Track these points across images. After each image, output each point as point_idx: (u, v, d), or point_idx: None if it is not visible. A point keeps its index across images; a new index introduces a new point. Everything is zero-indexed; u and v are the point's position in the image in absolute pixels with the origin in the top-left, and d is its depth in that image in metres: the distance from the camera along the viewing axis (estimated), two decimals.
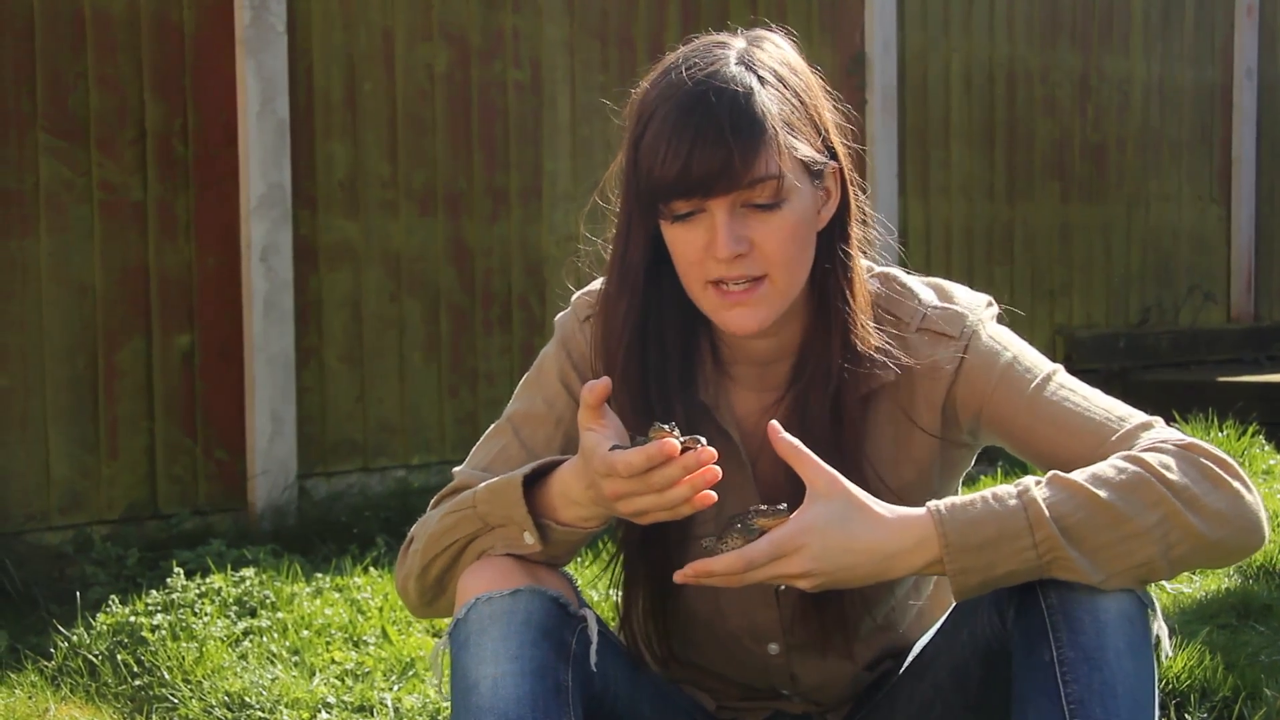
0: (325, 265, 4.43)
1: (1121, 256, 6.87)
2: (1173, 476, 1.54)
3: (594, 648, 1.60)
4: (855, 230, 1.70)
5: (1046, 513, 1.50)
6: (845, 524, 1.50)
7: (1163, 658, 1.60)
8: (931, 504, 1.53)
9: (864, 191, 1.72)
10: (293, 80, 4.33)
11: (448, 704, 2.70)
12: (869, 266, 1.74)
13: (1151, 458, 1.56)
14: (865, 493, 1.53)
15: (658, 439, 1.45)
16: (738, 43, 1.64)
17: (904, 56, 5.93)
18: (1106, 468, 1.55)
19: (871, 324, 1.68)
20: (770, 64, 1.62)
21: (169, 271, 4.14)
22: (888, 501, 1.56)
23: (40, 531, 3.93)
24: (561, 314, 1.82)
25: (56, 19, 3.96)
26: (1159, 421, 1.65)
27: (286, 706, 2.76)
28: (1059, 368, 1.72)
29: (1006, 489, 1.55)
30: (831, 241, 1.67)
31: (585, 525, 1.60)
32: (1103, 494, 1.52)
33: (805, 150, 1.61)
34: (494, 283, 4.77)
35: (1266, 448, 4.72)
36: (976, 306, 1.73)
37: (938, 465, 1.73)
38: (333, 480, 4.45)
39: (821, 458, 1.55)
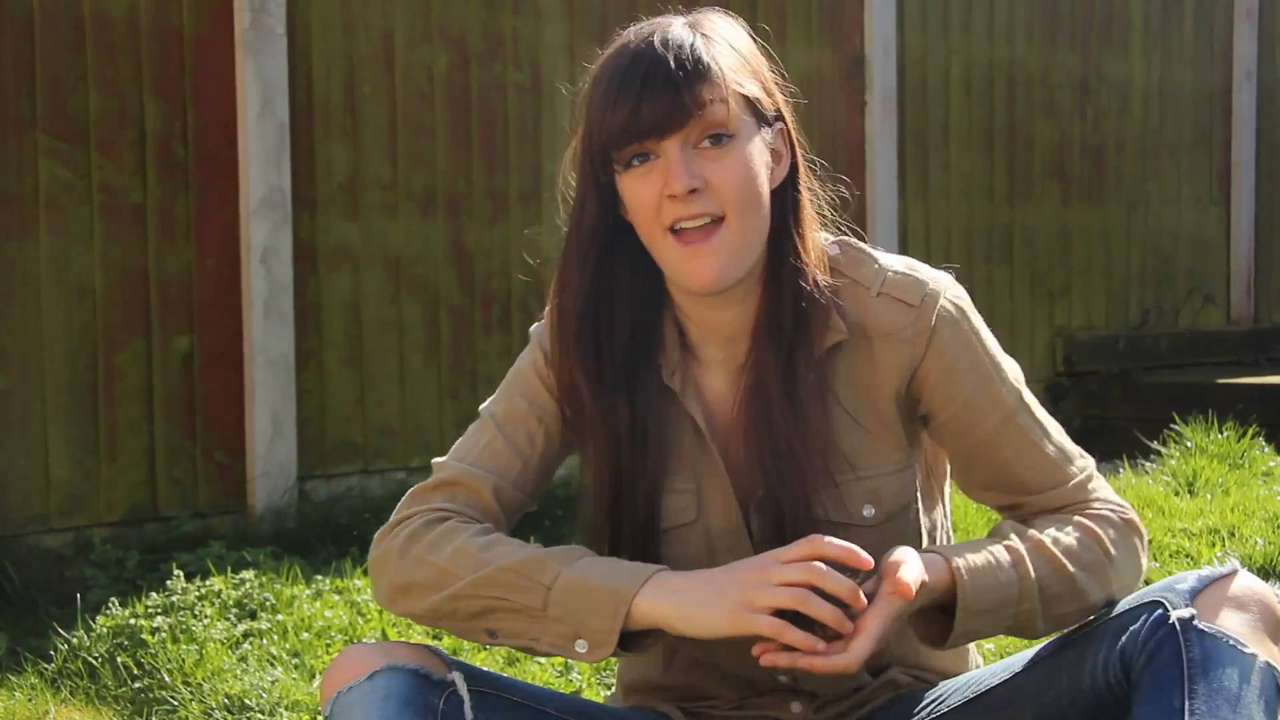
0: (325, 267, 4.43)
1: (1121, 258, 6.87)
2: (1117, 556, 1.66)
3: (467, 705, 1.60)
4: (805, 193, 1.71)
5: (1036, 589, 1.60)
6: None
7: None
8: (956, 561, 1.58)
9: (809, 161, 1.74)
10: (292, 82, 4.33)
11: None
12: (827, 237, 1.75)
13: (1103, 532, 1.66)
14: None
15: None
16: (683, 18, 1.68)
17: (904, 59, 5.94)
18: (1073, 540, 1.64)
19: (824, 279, 1.69)
20: (715, 29, 1.66)
21: (169, 274, 4.14)
22: (857, 460, 1.68)
23: (40, 534, 3.93)
24: (536, 323, 1.83)
25: (56, 21, 3.96)
26: (1092, 464, 1.74)
27: (286, 709, 2.76)
28: (1022, 381, 1.75)
29: (1001, 552, 1.61)
30: (784, 203, 1.69)
31: (654, 639, 1.61)
32: (1075, 572, 1.62)
33: (752, 89, 1.65)
34: (494, 285, 4.77)
35: (1266, 449, 4.72)
36: (939, 279, 1.74)
37: (900, 429, 1.74)
38: (333, 482, 4.45)
39: (783, 419, 1.62)
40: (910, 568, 1.52)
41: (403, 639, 3.14)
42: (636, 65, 1.61)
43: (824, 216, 1.75)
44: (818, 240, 1.72)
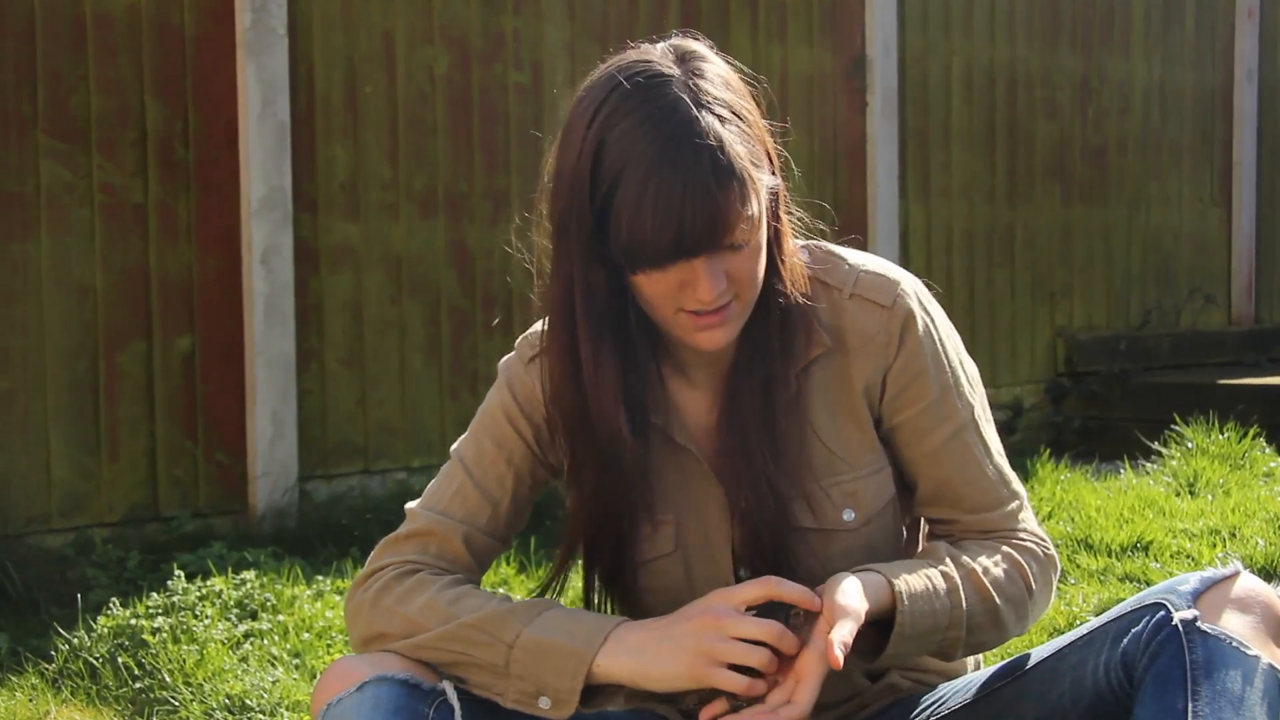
0: (326, 268, 4.43)
1: (1122, 259, 6.87)
2: (1036, 590, 1.70)
3: (458, 713, 1.61)
4: (785, 218, 1.70)
5: (965, 617, 1.63)
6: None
7: None
8: (898, 586, 1.59)
9: (790, 171, 1.71)
10: (294, 83, 4.33)
11: None
12: (795, 241, 1.74)
13: (1027, 565, 1.70)
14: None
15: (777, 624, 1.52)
16: (674, 70, 1.59)
17: (904, 59, 5.94)
18: (1002, 571, 1.68)
19: (802, 290, 1.69)
20: (717, 95, 1.58)
21: (170, 274, 4.14)
22: (835, 465, 1.69)
23: (41, 534, 3.93)
24: (505, 357, 1.81)
25: (57, 21, 3.96)
26: (1024, 494, 1.76)
27: (287, 709, 2.76)
28: (980, 387, 1.77)
29: (938, 579, 1.63)
30: (767, 234, 1.67)
31: (615, 691, 1.63)
32: (1000, 604, 1.66)
33: (768, 180, 1.61)
34: (495, 285, 4.77)
35: (1267, 450, 4.72)
36: (909, 279, 1.75)
37: (873, 430, 1.75)
38: (333, 483, 4.45)
39: (758, 440, 1.64)
40: (849, 601, 1.54)
41: None
42: (672, 181, 1.52)
43: (802, 225, 1.74)
44: (796, 259, 1.71)
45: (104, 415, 4.03)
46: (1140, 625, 1.60)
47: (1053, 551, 1.74)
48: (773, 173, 1.64)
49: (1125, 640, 1.60)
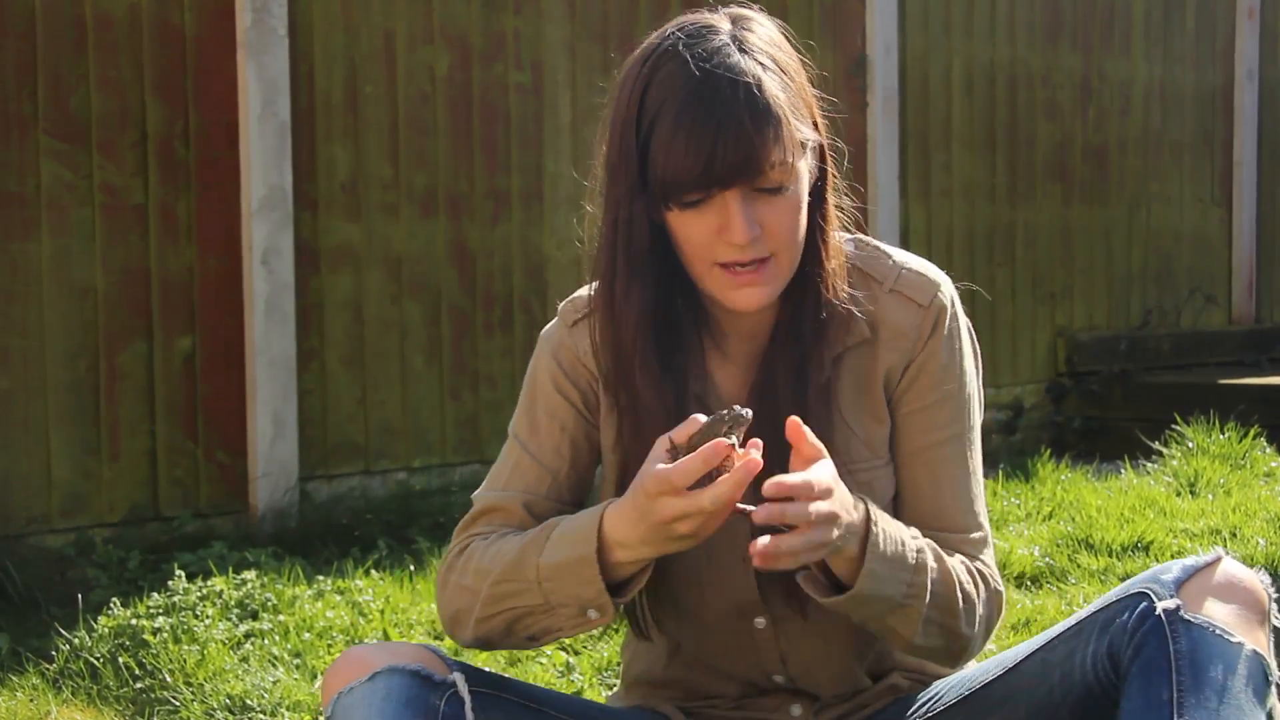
0: (326, 268, 4.43)
1: (1123, 259, 6.87)
2: (981, 615, 1.69)
3: (468, 706, 1.62)
4: (831, 199, 1.73)
5: (928, 583, 1.62)
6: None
7: None
8: (874, 511, 1.59)
9: (841, 160, 1.76)
10: (294, 83, 4.33)
11: None
12: (843, 234, 1.77)
13: (981, 585, 1.70)
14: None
15: (711, 443, 1.48)
16: (724, 24, 1.65)
17: (905, 59, 5.93)
18: (964, 569, 1.68)
19: (844, 286, 1.72)
20: (763, 47, 1.64)
21: (170, 274, 4.14)
22: (857, 452, 1.70)
23: (42, 534, 3.93)
24: (546, 327, 1.83)
25: (58, 21, 3.96)
26: (990, 533, 1.77)
27: (288, 709, 2.76)
28: (979, 418, 1.78)
29: (910, 538, 1.63)
30: (812, 213, 1.70)
31: (640, 575, 1.62)
32: (960, 596, 1.65)
33: (806, 133, 1.65)
34: (495, 285, 4.77)
35: (1268, 450, 4.72)
36: (948, 284, 1.77)
37: (889, 421, 1.76)
38: (334, 483, 4.45)
39: (791, 412, 1.62)
40: (819, 475, 1.51)
41: (404, 639, 3.14)
42: (707, 113, 1.57)
43: (841, 211, 1.77)
44: (839, 247, 1.74)
45: (104, 415, 4.03)
46: (1125, 616, 1.61)
47: (1003, 596, 1.74)
48: (815, 130, 1.68)
49: (1111, 631, 1.62)
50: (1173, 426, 4.86)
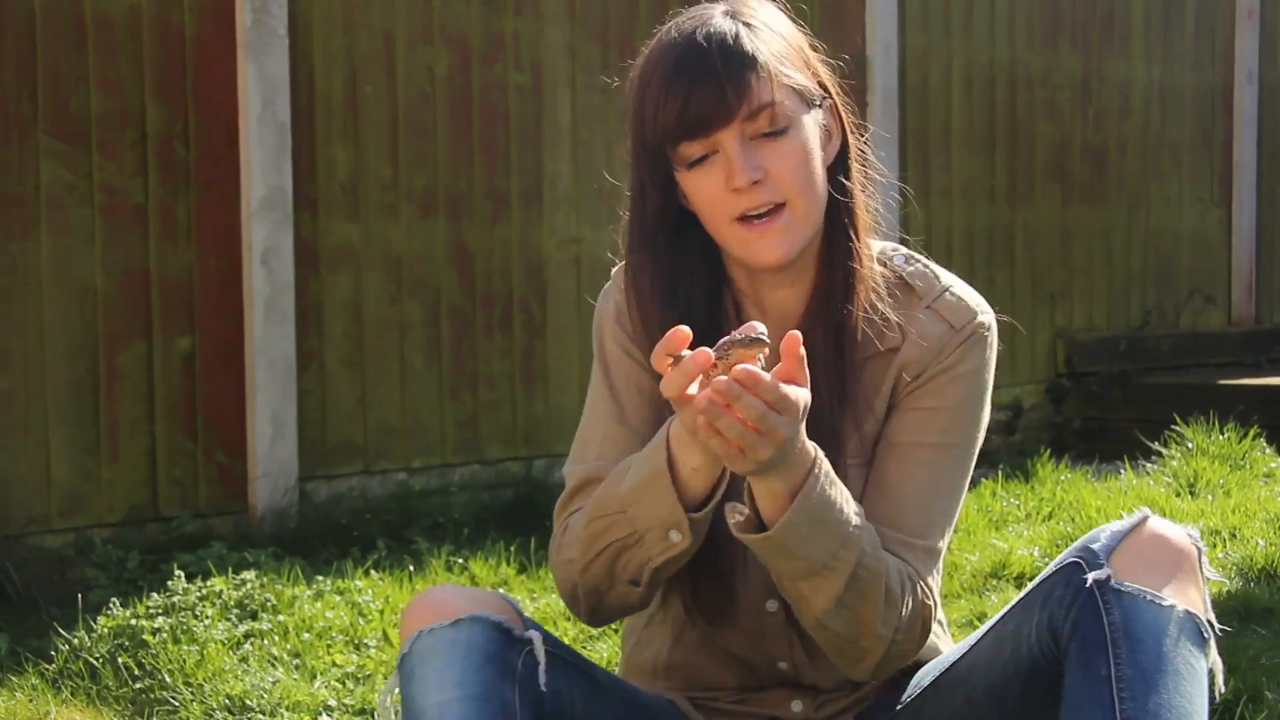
0: (326, 268, 4.43)
1: (1122, 259, 6.87)
2: (905, 617, 1.66)
3: (542, 668, 1.62)
4: (856, 167, 1.76)
5: (859, 549, 1.59)
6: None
7: (1216, 694, 1.62)
8: (821, 459, 1.57)
9: (864, 132, 1.79)
10: (294, 83, 4.33)
11: None
12: (895, 246, 1.82)
13: (912, 596, 1.67)
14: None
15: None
16: (722, 5, 1.72)
17: (905, 59, 5.94)
18: (896, 568, 1.65)
19: (880, 295, 1.74)
20: (755, 15, 1.70)
21: (170, 274, 4.14)
22: (852, 445, 1.71)
23: (41, 534, 3.93)
24: (602, 296, 1.86)
25: (58, 22, 3.96)
26: (941, 560, 1.75)
27: (287, 709, 2.76)
28: (975, 453, 1.78)
29: (851, 502, 1.61)
30: (835, 178, 1.73)
31: (715, 484, 1.61)
32: (887, 581, 1.63)
33: (798, 79, 1.68)
34: (495, 285, 4.77)
35: (1267, 451, 4.72)
36: (988, 316, 1.79)
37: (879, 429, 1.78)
38: (333, 483, 4.45)
39: (827, 385, 1.67)
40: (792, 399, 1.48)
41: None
42: (683, 61, 1.64)
43: (867, 188, 1.79)
44: (867, 218, 1.77)
45: (104, 416, 4.03)
46: (1060, 589, 1.63)
47: (932, 611, 1.71)
48: (818, 86, 1.71)
49: (1049, 605, 1.63)
50: (1172, 427, 4.87)
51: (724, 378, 1.45)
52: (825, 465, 1.57)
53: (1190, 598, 1.60)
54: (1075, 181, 6.65)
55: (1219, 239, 7.32)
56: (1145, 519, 1.65)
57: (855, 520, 1.60)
